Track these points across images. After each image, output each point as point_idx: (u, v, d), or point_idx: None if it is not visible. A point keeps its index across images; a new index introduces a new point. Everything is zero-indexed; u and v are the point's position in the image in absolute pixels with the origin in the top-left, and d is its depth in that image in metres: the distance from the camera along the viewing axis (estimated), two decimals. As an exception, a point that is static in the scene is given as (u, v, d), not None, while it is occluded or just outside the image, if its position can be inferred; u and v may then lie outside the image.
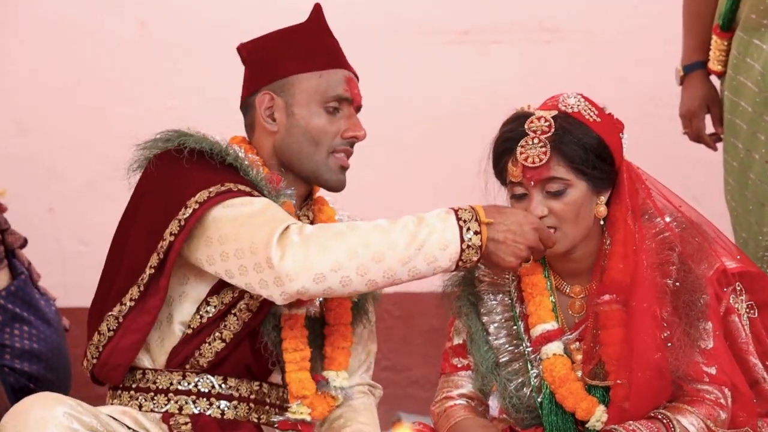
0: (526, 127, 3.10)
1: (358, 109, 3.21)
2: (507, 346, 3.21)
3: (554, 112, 3.11)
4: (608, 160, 3.12)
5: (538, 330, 3.16)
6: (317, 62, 3.16)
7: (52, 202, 4.98)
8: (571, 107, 3.13)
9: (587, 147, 3.09)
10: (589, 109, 3.14)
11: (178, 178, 3.00)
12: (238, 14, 5.09)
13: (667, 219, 3.17)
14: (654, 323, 3.07)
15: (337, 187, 3.17)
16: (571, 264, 3.18)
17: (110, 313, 3.02)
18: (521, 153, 3.08)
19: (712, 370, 3.10)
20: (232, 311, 3.05)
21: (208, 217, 2.95)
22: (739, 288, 3.19)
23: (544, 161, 3.07)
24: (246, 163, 3.07)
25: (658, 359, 3.05)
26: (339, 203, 3.33)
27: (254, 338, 3.09)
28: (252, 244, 2.89)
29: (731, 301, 3.17)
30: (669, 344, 3.07)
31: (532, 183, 3.08)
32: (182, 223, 2.94)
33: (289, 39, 3.20)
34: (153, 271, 2.97)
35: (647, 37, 5.18)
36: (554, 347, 3.14)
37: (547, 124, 3.09)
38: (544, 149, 3.07)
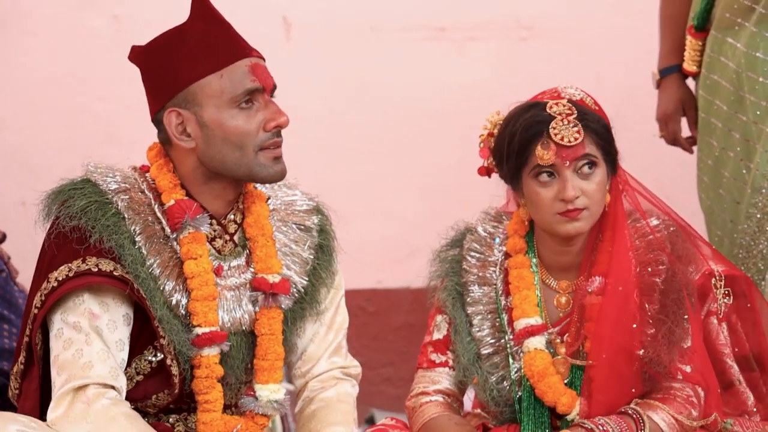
0: (549, 111, 3.12)
1: (273, 90, 3.04)
2: (489, 338, 3.23)
3: (564, 100, 3.15)
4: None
5: (521, 323, 3.18)
6: (213, 62, 2.97)
7: (24, 197, 4.96)
8: (574, 96, 3.18)
9: (606, 128, 3.16)
10: (588, 98, 3.20)
11: (50, 248, 2.99)
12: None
13: (655, 222, 3.22)
14: (632, 309, 3.11)
15: (277, 179, 3.04)
16: (565, 257, 3.21)
17: (12, 371, 3.04)
18: (556, 134, 3.10)
19: (687, 368, 3.14)
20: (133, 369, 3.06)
21: (54, 316, 2.96)
22: (720, 284, 3.22)
23: (579, 140, 3.10)
24: (130, 213, 2.99)
25: (628, 346, 3.08)
26: (322, 200, 3.29)
27: (168, 379, 3.04)
28: (53, 380, 2.93)
29: (713, 304, 3.21)
30: (653, 340, 3.10)
31: (567, 163, 3.10)
32: (43, 298, 2.95)
33: (178, 44, 3.00)
34: (28, 339, 2.99)
35: (623, 36, 5.20)
36: (536, 342, 3.16)
37: (567, 107, 3.13)
38: (577, 128, 3.11)
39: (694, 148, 3.99)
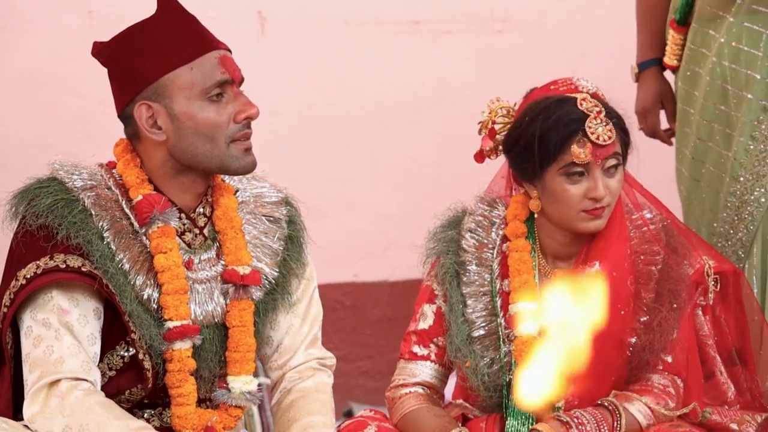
0: (581, 108, 3.12)
1: (241, 82, 3.05)
2: (481, 321, 3.23)
3: (586, 94, 3.16)
4: None
5: (517, 307, 3.18)
6: (183, 54, 2.98)
7: (0, 196, 4.95)
8: (590, 89, 3.20)
9: (625, 124, 3.18)
10: (599, 90, 3.21)
11: (18, 247, 2.99)
12: (187, 3, 5.08)
13: (648, 215, 3.24)
14: (625, 295, 3.12)
15: (248, 170, 3.06)
16: (569, 247, 3.22)
17: None
18: (592, 133, 3.10)
19: (669, 358, 3.16)
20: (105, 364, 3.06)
21: (24, 315, 2.96)
22: (710, 272, 3.24)
23: (613, 138, 3.12)
24: (97, 209, 2.99)
25: (618, 332, 3.10)
26: (291, 193, 3.29)
27: (141, 374, 3.04)
28: (25, 378, 2.94)
29: (701, 297, 3.23)
30: (646, 328, 3.12)
31: (599, 161, 3.11)
32: (12, 296, 2.95)
33: (146, 37, 3.01)
34: None
35: (599, 28, 5.21)
36: (529, 327, 3.16)
37: (595, 104, 3.13)
38: (609, 126, 3.12)
39: (673, 140, 4.01)
